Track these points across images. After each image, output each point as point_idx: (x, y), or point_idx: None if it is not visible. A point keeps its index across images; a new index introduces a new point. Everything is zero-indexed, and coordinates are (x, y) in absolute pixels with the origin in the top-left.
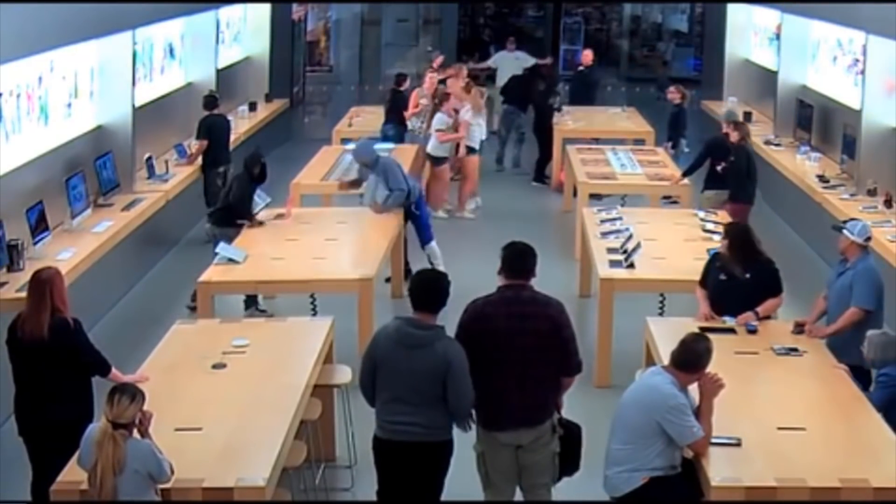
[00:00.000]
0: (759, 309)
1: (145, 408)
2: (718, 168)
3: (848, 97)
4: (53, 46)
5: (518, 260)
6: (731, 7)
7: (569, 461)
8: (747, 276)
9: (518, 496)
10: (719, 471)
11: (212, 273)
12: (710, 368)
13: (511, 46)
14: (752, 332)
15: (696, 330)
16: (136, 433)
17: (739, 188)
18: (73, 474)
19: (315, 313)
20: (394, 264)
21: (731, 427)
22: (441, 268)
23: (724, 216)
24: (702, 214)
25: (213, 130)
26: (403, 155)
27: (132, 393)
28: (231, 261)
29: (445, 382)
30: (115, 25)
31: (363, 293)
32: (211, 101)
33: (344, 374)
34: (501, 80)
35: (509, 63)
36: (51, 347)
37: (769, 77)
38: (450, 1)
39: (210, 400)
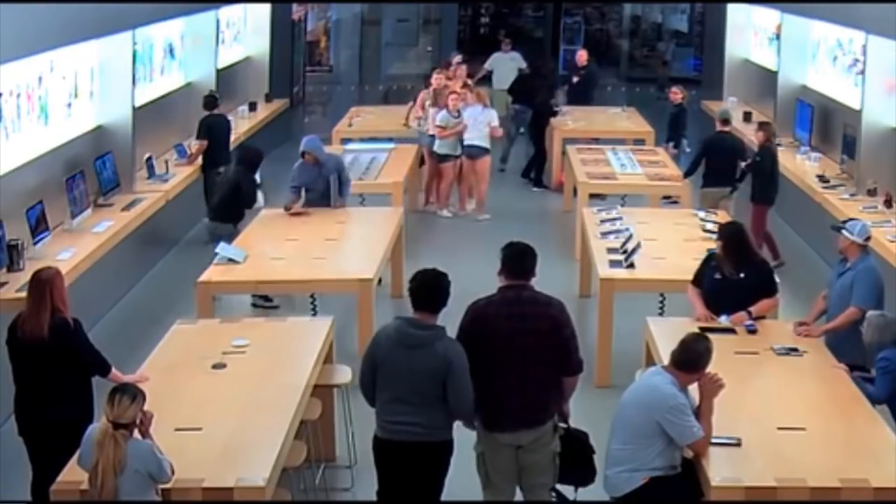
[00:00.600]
0: (753, 309)
1: (146, 408)
2: (743, 165)
3: (848, 97)
4: (53, 46)
5: (518, 260)
6: (731, 7)
7: (580, 469)
8: (742, 276)
9: (518, 496)
10: (719, 471)
11: (212, 273)
12: (710, 368)
13: (506, 48)
14: (752, 332)
15: (696, 330)
16: (136, 433)
17: (763, 189)
18: (73, 474)
19: (315, 313)
20: (394, 264)
21: (731, 427)
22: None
23: (723, 216)
24: (702, 214)
25: (213, 130)
26: (403, 155)
27: (133, 393)
28: (231, 261)
29: (445, 382)
30: (115, 25)
31: (363, 293)
32: (211, 101)
33: (344, 374)
34: (497, 81)
35: (505, 64)
36: (51, 347)
37: (769, 77)
38: (450, 1)
39: (210, 400)
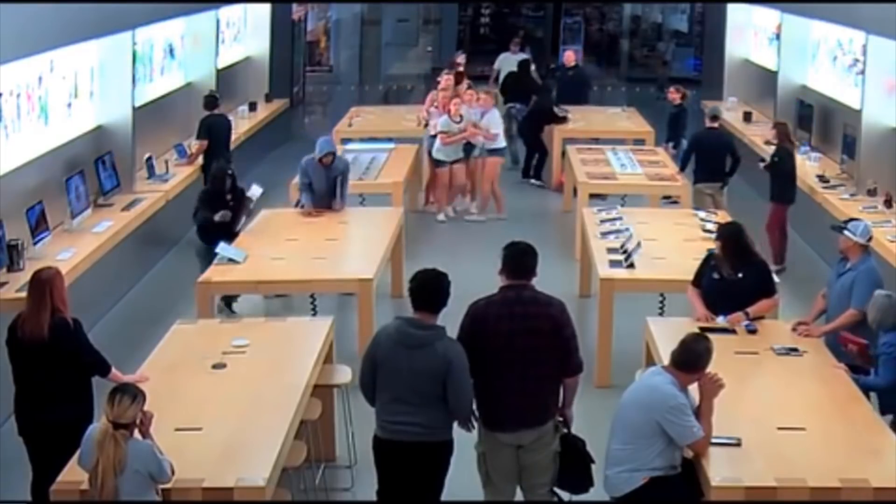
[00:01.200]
0: (751, 309)
1: (146, 408)
2: (762, 166)
3: (848, 97)
4: (53, 46)
5: (519, 260)
6: (731, 7)
7: (577, 476)
8: (740, 276)
9: (518, 496)
10: (719, 471)
11: (212, 273)
12: (710, 368)
13: (514, 48)
14: (752, 332)
15: (696, 330)
16: (136, 433)
17: (782, 188)
18: (73, 474)
19: (315, 313)
20: (394, 264)
21: (731, 427)
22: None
23: (723, 216)
24: (702, 214)
25: (214, 130)
26: (403, 155)
27: (133, 393)
28: (231, 261)
29: (445, 383)
30: (115, 25)
31: (363, 293)
32: (211, 100)
33: (344, 374)
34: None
35: (512, 65)
36: (51, 347)
37: (769, 77)
38: (450, 1)
39: (210, 400)
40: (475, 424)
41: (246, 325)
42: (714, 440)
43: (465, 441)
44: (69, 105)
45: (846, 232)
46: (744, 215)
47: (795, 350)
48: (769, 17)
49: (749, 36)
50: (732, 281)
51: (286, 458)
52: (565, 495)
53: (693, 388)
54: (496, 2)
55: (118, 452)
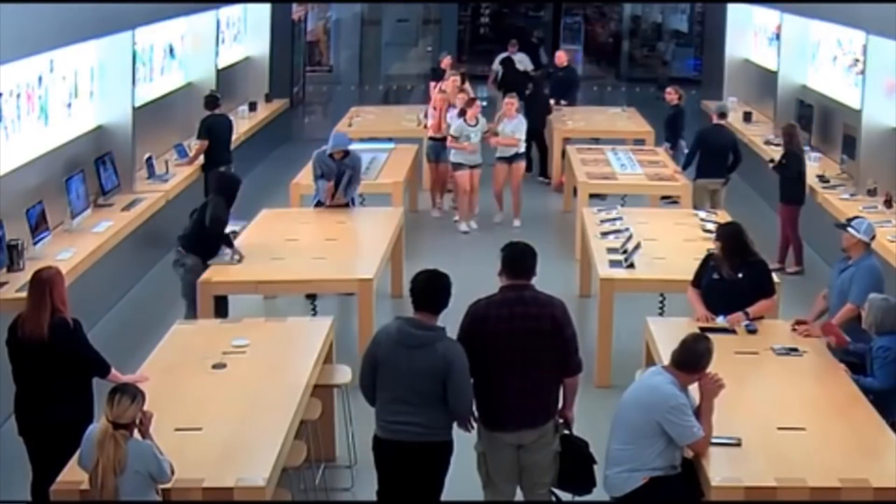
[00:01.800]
0: (751, 309)
1: (145, 408)
2: (771, 167)
3: (848, 97)
4: (53, 46)
5: (519, 260)
6: (731, 7)
7: (580, 478)
8: (739, 276)
9: (518, 496)
10: (719, 471)
11: (212, 273)
12: (711, 368)
13: (513, 49)
14: (752, 332)
15: (696, 330)
16: (136, 433)
17: (792, 189)
18: (73, 474)
19: (315, 313)
20: (394, 264)
21: (731, 427)
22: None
23: (723, 216)
24: (702, 214)
25: (214, 130)
26: (403, 155)
27: (132, 393)
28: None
29: (446, 383)
30: (115, 25)
31: (363, 293)
32: (212, 100)
33: (344, 374)
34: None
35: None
36: (51, 347)
37: (769, 77)
38: (450, 1)
39: (210, 400)
40: (475, 424)
41: (246, 325)
42: (714, 440)
43: (465, 441)
44: (69, 105)
45: (850, 229)
46: (745, 216)
47: (795, 350)
48: (769, 17)
49: (749, 36)
50: (732, 281)
51: (286, 458)
52: (566, 496)
53: (693, 388)
54: (496, 2)
55: (118, 452)
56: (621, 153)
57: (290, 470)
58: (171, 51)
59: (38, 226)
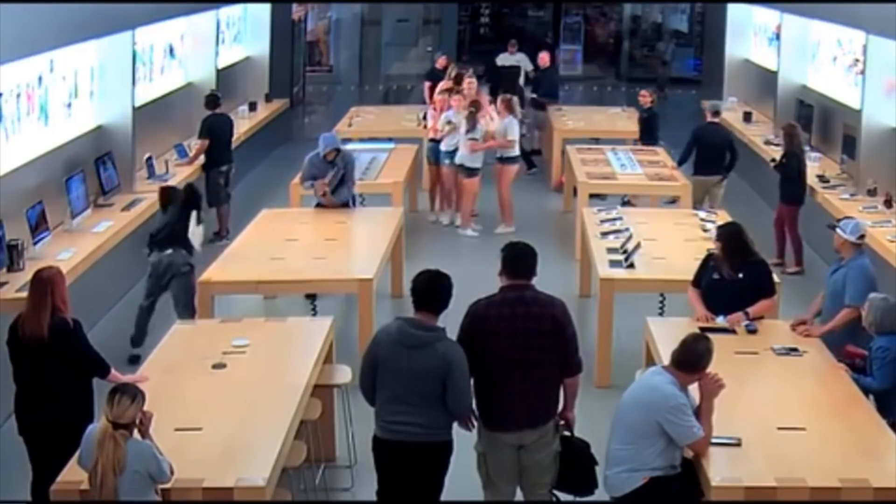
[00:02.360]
0: (751, 309)
1: (145, 408)
2: (772, 166)
3: (848, 97)
4: (53, 46)
5: (519, 260)
6: (731, 7)
7: (581, 480)
8: (740, 276)
9: (518, 496)
10: (719, 471)
11: (212, 273)
12: (711, 368)
13: (512, 49)
14: (752, 332)
15: (696, 330)
16: (136, 433)
17: (792, 189)
18: (73, 474)
19: (315, 313)
20: (394, 264)
21: (731, 427)
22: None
23: (723, 216)
24: (702, 214)
25: (215, 130)
26: (403, 155)
27: (132, 393)
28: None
29: (445, 383)
30: (115, 25)
31: (363, 293)
32: (213, 100)
33: (344, 374)
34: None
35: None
36: (51, 347)
37: (769, 77)
38: (450, 1)
39: (210, 400)
40: (475, 424)
41: (246, 325)
42: (714, 440)
43: (465, 441)
44: (69, 105)
45: (837, 230)
46: (745, 215)
47: (795, 350)
48: (769, 16)
49: (749, 36)
50: (732, 281)
51: (286, 458)
52: (567, 497)
53: (693, 388)
54: (496, 2)
55: (118, 452)
56: (621, 153)
57: (290, 470)
58: (171, 51)
59: (38, 226)
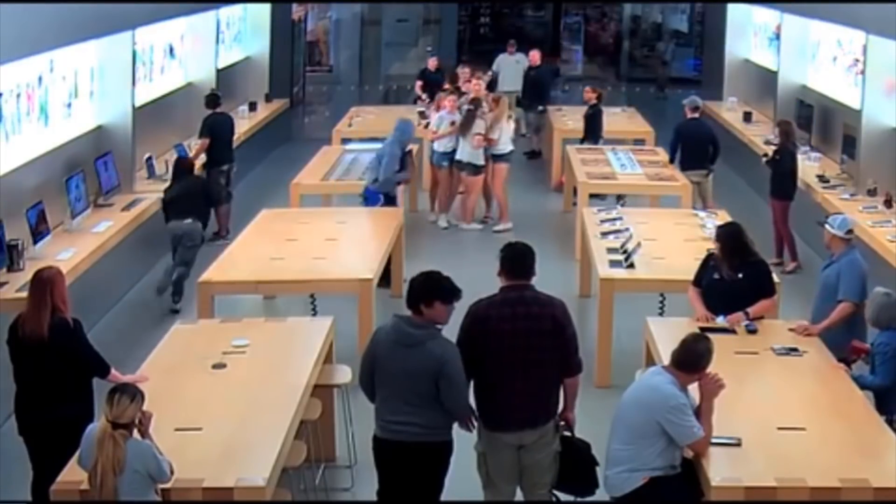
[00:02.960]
0: (751, 309)
1: (145, 408)
2: (763, 161)
3: (848, 97)
4: (53, 46)
5: (518, 261)
6: (731, 7)
7: (582, 480)
8: (740, 276)
9: (518, 496)
10: (719, 471)
11: (212, 273)
12: (711, 368)
13: (511, 49)
14: (752, 332)
15: (696, 330)
16: (136, 433)
17: (782, 185)
18: (73, 474)
19: (315, 313)
20: (394, 264)
21: (731, 427)
22: None
23: (723, 216)
24: (702, 214)
25: (216, 129)
26: None
27: (132, 393)
28: None
29: (438, 383)
30: (115, 25)
31: (363, 293)
32: (213, 99)
33: (344, 374)
34: (503, 83)
35: (510, 66)
36: (51, 347)
37: (769, 77)
38: (450, 1)
39: (210, 400)
40: (475, 425)
41: (246, 325)
42: (714, 440)
43: (465, 441)
44: (69, 105)
45: (826, 226)
46: (743, 214)
47: (795, 350)
48: (769, 16)
49: (749, 36)
50: (732, 281)
51: (286, 458)
52: (567, 497)
53: (693, 388)
54: (496, 2)
55: (117, 452)
56: (621, 153)
57: (290, 470)
58: (171, 51)
59: (38, 226)
